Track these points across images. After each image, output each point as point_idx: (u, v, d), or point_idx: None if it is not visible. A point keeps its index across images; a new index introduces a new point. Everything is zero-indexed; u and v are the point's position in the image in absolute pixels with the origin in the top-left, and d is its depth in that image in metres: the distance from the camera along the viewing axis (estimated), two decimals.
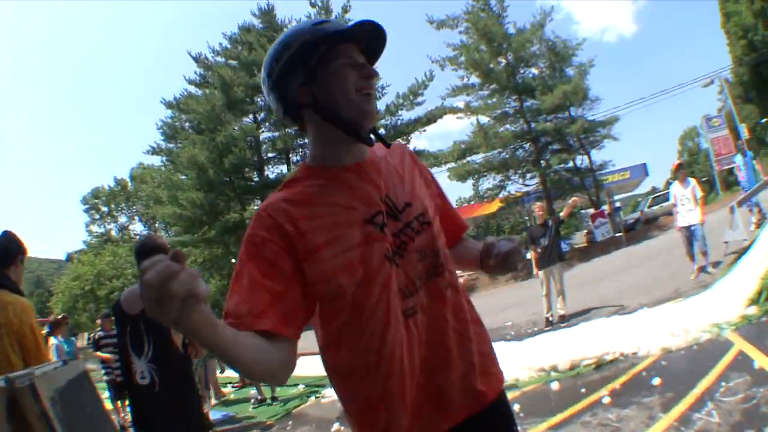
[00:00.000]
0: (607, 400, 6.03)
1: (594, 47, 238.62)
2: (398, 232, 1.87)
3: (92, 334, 14.86)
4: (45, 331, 9.58)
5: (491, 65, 33.43)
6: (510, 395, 6.86)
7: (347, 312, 1.80)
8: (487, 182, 35.93)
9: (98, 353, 10.81)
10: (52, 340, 9.71)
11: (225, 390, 13.59)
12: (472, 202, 43.73)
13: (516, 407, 6.47)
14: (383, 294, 1.79)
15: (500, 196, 35.18)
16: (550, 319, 12.00)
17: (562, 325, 11.09)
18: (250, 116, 40.43)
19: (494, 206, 35.62)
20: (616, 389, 6.33)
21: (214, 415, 10.35)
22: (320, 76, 1.83)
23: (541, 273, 12.28)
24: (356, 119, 1.84)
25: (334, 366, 1.94)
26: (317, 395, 10.53)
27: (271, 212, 1.79)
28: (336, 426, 7.79)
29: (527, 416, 6.24)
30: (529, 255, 12.92)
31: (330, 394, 10.00)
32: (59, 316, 11.34)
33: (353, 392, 1.89)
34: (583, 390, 6.67)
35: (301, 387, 11.53)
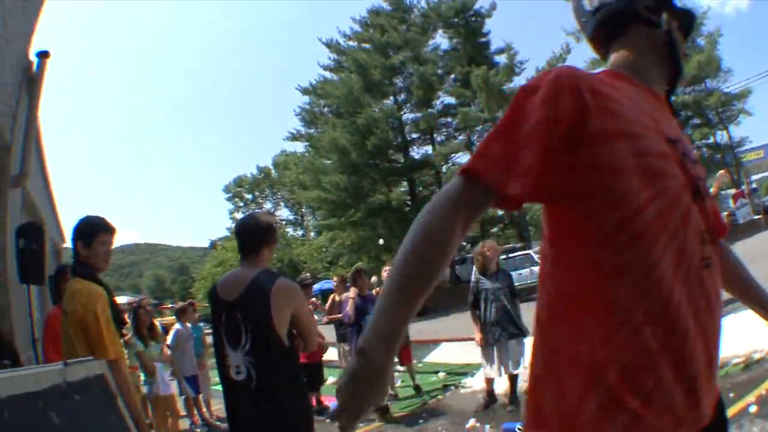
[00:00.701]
0: (753, 408, 5.30)
1: (715, 19, 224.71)
2: (692, 177, 1.56)
3: None
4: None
5: None
6: None
7: (630, 232, 1.41)
8: None
9: None
10: (176, 326, 9.76)
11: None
12: None
13: None
14: (681, 227, 1.46)
15: None
16: None
17: None
18: (391, 98, 40.11)
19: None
20: (762, 395, 5.60)
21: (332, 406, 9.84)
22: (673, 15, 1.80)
23: None
24: (681, 69, 1.78)
25: (592, 307, 1.46)
26: (457, 385, 9.79)
27: (572, 75, 1.43)
28: (472, 422, 7.16)
29: None
30: None
31: (471, 384, 9.42)
32: (185, 303, 11.44)
33: (611, 343, 1.43)
34: (731, 395, 5.81)
35: (441, 375, 10.98)
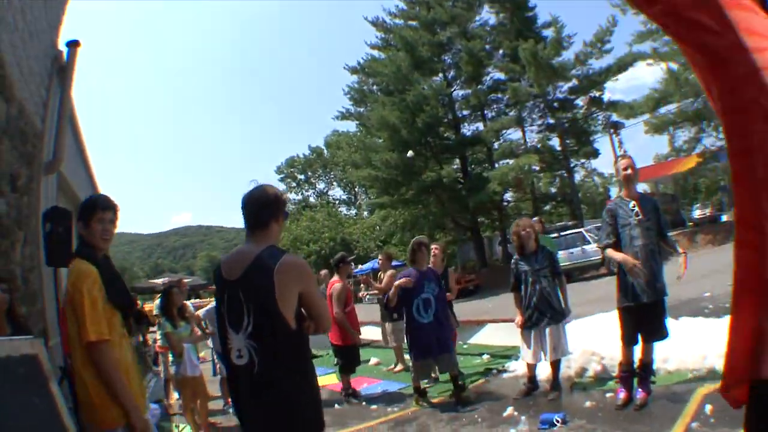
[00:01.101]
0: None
1: None
2: None
3: None
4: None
5: None
6: (702, 391, 5.94)
7: None
8: (683, 136, 33.28)
9: None
10: (211, 303, 9.77)
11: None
12: (669, 158, 40.73)
13: (708, 408, 5.24)
14: None
15: (696, 151, 32.35)
16: None
17: None
18: (440, 75, 39.78)
19: (691, 161, 32.78)
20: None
21: (370, 389, 9.71)
22: None
23: None
24: None
25: None
26: (500, 369, 9.36)
27: None
28: (509, 410, 6.83)
29: (719, 423, 4.94)
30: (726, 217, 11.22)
31: (515, 368, 9.00)
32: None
33: None
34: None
35: (485, 357, 10.67)
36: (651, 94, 32.24)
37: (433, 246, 9.39)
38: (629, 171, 6.22)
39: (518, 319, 7.53)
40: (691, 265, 5.99)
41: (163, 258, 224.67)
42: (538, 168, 35.43)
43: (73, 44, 7.42)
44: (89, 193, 12.29)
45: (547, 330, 7.21)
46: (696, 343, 7.06)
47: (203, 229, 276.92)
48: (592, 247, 25.16)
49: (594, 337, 8.13)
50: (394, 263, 11.82)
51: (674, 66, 30.76)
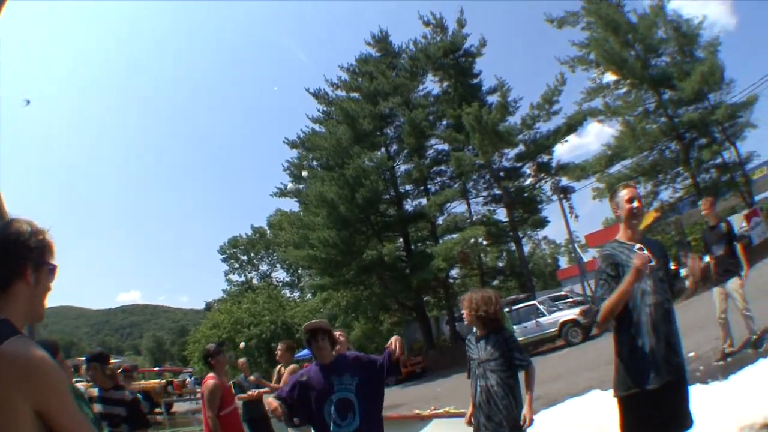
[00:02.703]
0: None
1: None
2: None
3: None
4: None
5: (623, 56, 30.28)
6: None
7: None
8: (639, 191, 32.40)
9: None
10: None
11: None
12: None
13: None
14: None
15: (653, 206, 31.48)
16: (727, 350, 9.32)
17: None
18: (381, 149, 38.59)
19: (649, 218, 31.90)
20: None
21: None
22: None
23: (715, 291, 9.52)
24: None
25: None
26: None
27: None
28: None
29: None
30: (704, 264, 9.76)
31: None
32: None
33: None
34: None
35: None
36: (603, 151, 31.59)
37: (337, 333, 7.65)
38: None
39: (467, 414, 5.59)
40: None
41: (111, 335, 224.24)
42: (484, 241, 34.13)
43: None
44: None
45: None
46: (709, 419, 5.31)
47: (150, 309, 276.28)
48: (547, 319, 24.91)
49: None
50: None
51: (629, 118, 30.25)
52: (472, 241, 31.99)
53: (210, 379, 7.08)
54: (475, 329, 5.53)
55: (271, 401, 5.48)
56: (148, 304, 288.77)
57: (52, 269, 2.17)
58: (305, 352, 41.60)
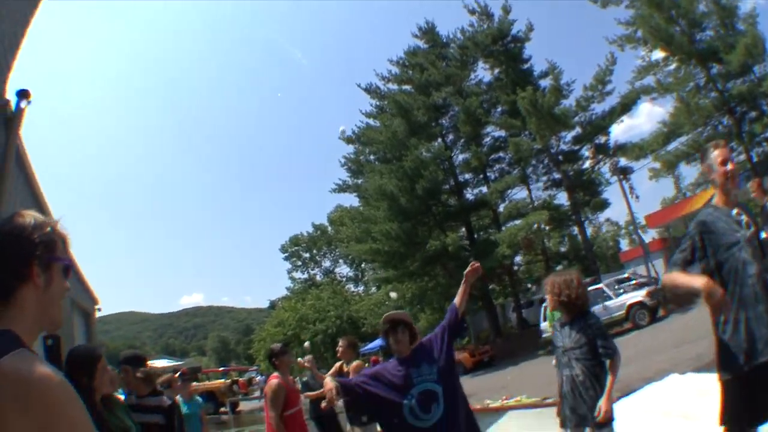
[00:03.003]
0: None
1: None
2: None
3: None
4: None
5: (669, 32, 29.75)
6: None
7: None
8: (695, 170, 31.73)
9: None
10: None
11: None
12: (677, 201, 39.37)
13: None
14: None
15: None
16: None
17: None
18: (438, 140, 38.40)
19: (701, 199, 31.13)
20: None
21: None
22: None
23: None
24: None
25: None
26: None
27: None
28: None
29: None
30: None
31: None
32: (173, 373, 9.15)
33: None
34: None
35: None
36: (659, 129, 30.94)
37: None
38: (729, 166, 3.84)
39: (557, 404, 5.40)
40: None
41: (174, 338, 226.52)
42: (546, 226, 33.73)
43: (22, 94, 7.03)
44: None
45: None
46: None
47: (214, 310, 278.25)
48: (614, 303, 24.62)
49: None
50: None
51: (683, 94, 29.62)
52: (536, 225, 31.53)
53: (273, 379, 6.94)
54: (560, 315, 5.41)
55: (327, 381, 5.17)
56: (212, 306, 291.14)
57: (67, 266, 1.83)
58: (371, 345, 41.77)
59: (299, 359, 10.96)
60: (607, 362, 4.98)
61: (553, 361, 5.53)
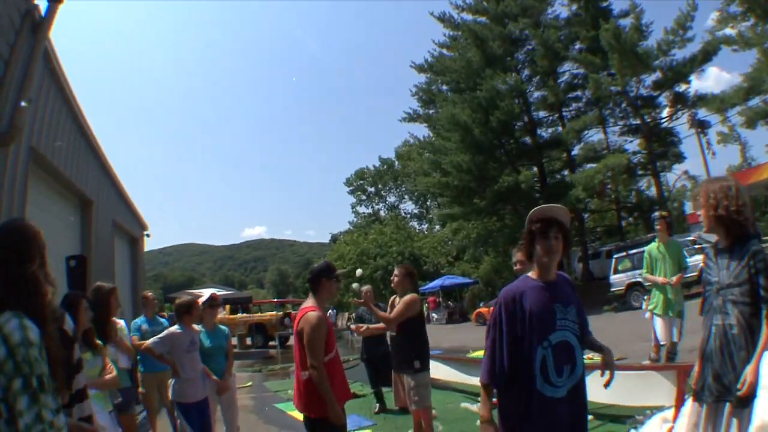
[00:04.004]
0: None
1: None
2: None
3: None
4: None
5: None
6: None
7: None
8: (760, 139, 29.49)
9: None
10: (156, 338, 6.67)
11: None
12: (742, 169, 36.94)
13: None
14: None
15: None
16: None
17: None
18: (512, 74, 36.10)
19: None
20: None
21: None
22: None
23: None
24: None
25: None
26: None
27: None
28: None
29: None
30: None
31: None
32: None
33: None
34: None
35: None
36: (740, 84, 28.53)
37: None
38: None
39: (695, 369, 3.94)
40: None
41: (234, 270, 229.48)
42: (624, 174, 31.76)
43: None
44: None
45: (723, 411, 3.61)
46: None
47: (276, 243, 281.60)
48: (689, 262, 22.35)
49: None
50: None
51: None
52: (617, 168, 29.64)
53: (311, 311, 4.82)
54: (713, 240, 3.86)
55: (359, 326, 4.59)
56: (274, 239, 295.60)
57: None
58: (430, 285, 40.57)
59: (363, 288, 9.39)
60: (765, 310, 3.43)
61: (699, 307, 3.99)
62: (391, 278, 7.16)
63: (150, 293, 9.26)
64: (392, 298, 7.21)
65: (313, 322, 4.70)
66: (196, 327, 6.85)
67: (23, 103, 5.88)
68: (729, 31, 29.72)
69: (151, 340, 6.56)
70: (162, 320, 8.93)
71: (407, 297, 6.72)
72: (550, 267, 3.29)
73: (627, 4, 32.35)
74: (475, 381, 9.91)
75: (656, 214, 8.89)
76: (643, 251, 9.04)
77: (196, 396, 6.35)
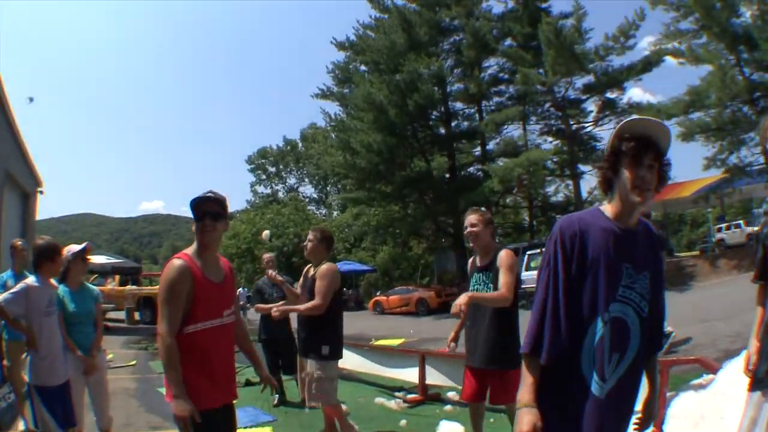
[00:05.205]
0: None
1: None
2: None
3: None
4: None
5: (711, 1, 27.06)
6: None
7: None
8: (709, 148, 29.51)
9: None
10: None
11: None
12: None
13: None
14: None
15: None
16: None
17: None
18: (436, 60, 34.79)
19: (688, 188, 30.09)
20: None
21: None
22: None
23: None
24: None
25: None
26: None
27: None
28: None
29: None
30: None
31: None
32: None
33: None
34: None
35: None
36: (681, 97, 28.36)
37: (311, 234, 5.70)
38: None
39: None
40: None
41: (129, 244, 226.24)
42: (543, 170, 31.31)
43: None
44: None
45: None
46: None
47: (172, 218, 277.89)
48: None
49: None
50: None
51: (723, 61, 27.16)
52: (538, 164, 29.01)
53: (176, 258, 3.44)
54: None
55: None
56: (170, 214, 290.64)
57: None
58: (351, 266, 39.22)
59: (264, 255, 8.17)
60: None
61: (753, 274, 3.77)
62: (304, 244, 5.77)
63: (20, 242, 7.65)
64: (306, 267, 5.82)
65: (167, 271, 3.33)
66: (54, 283, 5.15)
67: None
68: (677, 45, 29.51)
69: (2, 295, 4.88)
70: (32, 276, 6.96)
71: (326, 268, 5.43)
72: (634, 209, 2.38)
73: (567, 6, 31.55)
74: (389, 373, 8.43)
75: None
76: None
77: (59, 377, 4.81)
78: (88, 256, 5.49)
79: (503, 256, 4.86)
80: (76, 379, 5.01)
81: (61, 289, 5.16)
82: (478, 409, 5.06)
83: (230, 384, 3.53)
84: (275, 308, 5.70)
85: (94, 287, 5.67)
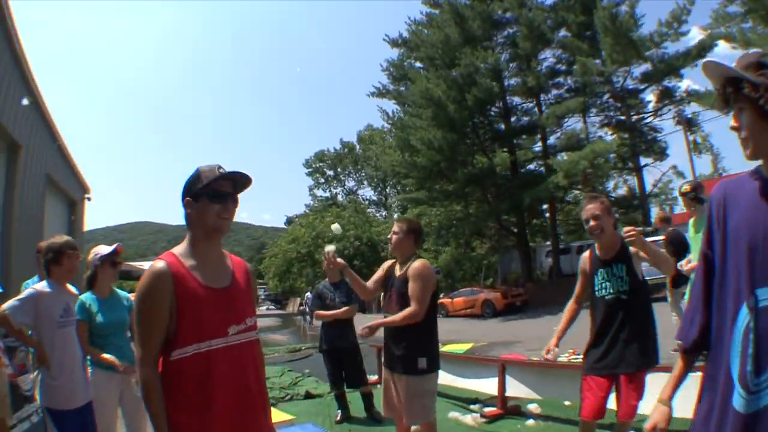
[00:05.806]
0: None
1: None
2: None
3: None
4: None
5: None
6: None
7: None
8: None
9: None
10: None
11: None
12: (712, 178, 36.50)
13: None
14: None
15: None
16: None
17: None
18: (492, 53, 33.95)
19: None
20: None
21: None
22: None
23: None
24: None
25: None
26: None
27: None
28: None
29: None
30: None
31: None
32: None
33: None
34: None
35: None
36: None
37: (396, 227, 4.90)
38: None
39: None
40: None
41: None
42: (613, 159, 30.26)
43: None
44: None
45: None
46: None
47: (232, 225, 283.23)
48: None
49: None
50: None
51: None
52: (604, 157, 27.99)
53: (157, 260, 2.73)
54: None
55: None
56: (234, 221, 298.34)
57: None
58: None
59: (327, 249, 6.79)
60: None
61: None
62: (389, 237, 5.02)
63: (44, 243, 6.67)
64: (389, 263, 5.07)
65: (141, 279, 2.56)
66: (72, 289, 4.63)
67: (24, 101, 4.46)
68: (727, 29, 28.57)
69: (8, 303, 4.28)
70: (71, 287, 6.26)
71: (421, 266, 4.64)
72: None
73: None
74: (462, 383, 8.27)
75: (684, 190, 7.38)
76: None
77: (76, 399, 4.23)
78: (119, 260, 4.78)
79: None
80: (103, 400, 4.45)
81: (88, 297, 4.62)
82: (593, 428, 4.30)
83: (249, 423, 2.58)
84: (363, 328, 4.82)
85: (126, 293, 5.03)
